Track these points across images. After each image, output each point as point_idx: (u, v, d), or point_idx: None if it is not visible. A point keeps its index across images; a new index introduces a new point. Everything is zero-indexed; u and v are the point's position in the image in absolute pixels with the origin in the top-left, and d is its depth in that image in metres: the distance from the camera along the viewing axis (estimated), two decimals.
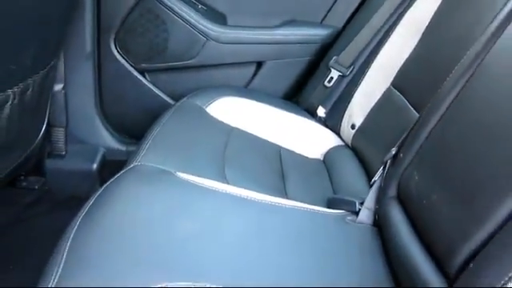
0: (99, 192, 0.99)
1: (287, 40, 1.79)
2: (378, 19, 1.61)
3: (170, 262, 0.83)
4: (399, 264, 0.91)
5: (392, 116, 1.37)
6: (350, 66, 1.63)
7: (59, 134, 1.68)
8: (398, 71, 1.44)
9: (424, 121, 1.04)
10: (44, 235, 1.36)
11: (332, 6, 1.80)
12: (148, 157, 1.14)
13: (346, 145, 1.55)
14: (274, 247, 0.94)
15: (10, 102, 1.11)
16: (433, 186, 0.92)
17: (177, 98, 1.65)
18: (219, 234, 0.92)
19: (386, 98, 1.44)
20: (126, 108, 1.83)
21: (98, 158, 1.76)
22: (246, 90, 1.81)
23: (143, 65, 1.78)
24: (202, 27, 1.72)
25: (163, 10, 1.70)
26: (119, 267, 0.80)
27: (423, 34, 1.42)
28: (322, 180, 1.38)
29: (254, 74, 1.82)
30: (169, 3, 1.70)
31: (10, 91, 1.10)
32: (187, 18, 1.71)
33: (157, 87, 1.81)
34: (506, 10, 1.02)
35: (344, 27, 1.79)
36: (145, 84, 1.80)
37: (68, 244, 0.83)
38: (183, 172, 1.09)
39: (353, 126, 1.51)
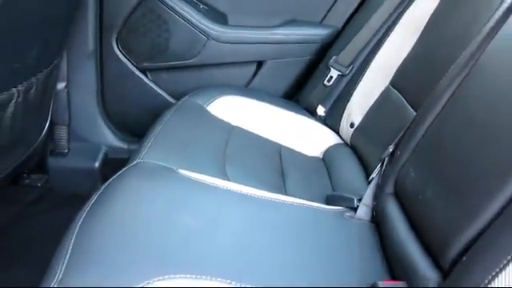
0: (103, 188, 1.00)
1: (287, 40, 1.80)
2: (377, 19, 1.62)
3: (171, 255, 0.84)
4: (396, 259, 0.93)
5: (390, 115, 1.38)
6: (350, 66, 1.64)
7: (62, 132, 1.69)
8: (397, 70, 1.45)
9: (420, 119, 1.06)
10: (46, 232, 1.37)
11: (332, 6, 1.81)
12: (150, 154, 1.16)
13: (345, 143, 1.55)
14: (275, 241, 0.95)
15: (14, 101, 1.13)
16: (428, 182, 0.93)
17: (178, 96, 1.65)
18: (220, 229, 0.94)
19: (384, 97, 1.45)
20: (128, 106, 1.83)
21: (100, 156, 1.77)
22: (246, 89, 1.82)
23: (145, 64, 1.79)
24: (203, 27, 1.73)
25: (165, 9, 1.71)
26: (121, 261, 0.81)
27: (422, 33, 1.43)
28: (321, 178, 1.39)
29: (255, 74, 1.83)
30: (170, 3, 1.71)
31: (14, 89, 1.12)
32: (189, 17, 1.72)
33: (158, 86, 1.82)
34: (502, 9, 1.03)
35: (343, 27, 1.80)
36: (146, 83, 1.81)
37: (73, 238, 0.85)
38: (185, 169, 1.10)
39: (352, 125, 1.52)
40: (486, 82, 0.93)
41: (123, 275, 0.78)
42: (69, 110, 1.67)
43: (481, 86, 0.94)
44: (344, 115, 1.57)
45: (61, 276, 0.77)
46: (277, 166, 1.38)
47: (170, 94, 1.82)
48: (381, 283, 0.84)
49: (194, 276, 0.79)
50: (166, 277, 0.78)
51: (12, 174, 1.39)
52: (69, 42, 1.51)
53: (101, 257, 0.82)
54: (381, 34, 1.59)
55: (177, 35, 1.74)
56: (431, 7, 1.42)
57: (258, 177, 1.25)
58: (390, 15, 1.58)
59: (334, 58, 1.69)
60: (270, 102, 1.62)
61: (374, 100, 1.48)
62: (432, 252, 0.84)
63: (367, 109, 1.49)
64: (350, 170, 1.41)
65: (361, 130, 1.49)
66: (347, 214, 1.11)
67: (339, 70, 1.66)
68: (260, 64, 1.82)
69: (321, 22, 1.83)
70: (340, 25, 1.81)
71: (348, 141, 1.54)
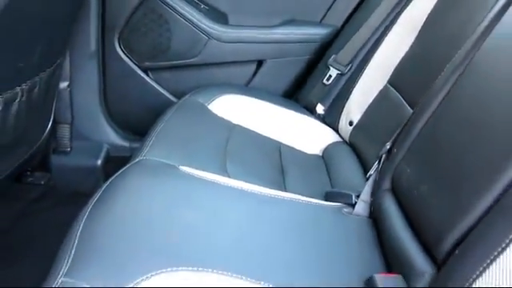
0: (106, 184, 1.02)
1: (287, 39, 1.81)
2: (375, 19, 1.63)
3: (173, 249, 0.85)
4: (393, 254, 0.94)
5: (388, 113, 1.39)
6: (348, 65, 1.65)
7: (64, 130, 1.70)
8: (395, 69, 1.46)
9: (416, 117, 1.08)
10: (48, 230, 1.39)
11: (331, 6, 1.82)
12: (152, 152, 1.17)
13: (344, 141, 1.57)
14: (275, 236, 0.96)
15: (18, 99, 1.13)
16: (423, 178, 0.95)
17: (179, 95, 1.67)
18: (221, 223, 0.95)
19: (382, 95, 1.46)
20: (130, 105, 1.85)
21: (102, 154, 1.78)
22: (246, 87, 1.83)
23: (147, 63, 1.80)
24: (204, 26, 1.74)
25: (166, 9, 1.72)
26: (123, 255, 0.83)
27: (419, 32, 1.44)
28: (320, 175, 1.40)
29: (255, 73, 1.84)
30: (172, 3, 1.72)
31: (18, 88, 1.12)
32: (190, 17, 1.73)
33: (160, 85, 1.83)
34: (496, 8, 1.05)
35: (343, 26, 1.81)
36: (148, 82, 1.82)
37: (78, 233, 0.86)
38: (186, 166, 1.12)
39: (350, 123, 1.54)
40: (480, 80, 0.95)
41: (125, 268, 0.80)
42: (71, 108, 1.68)
43: (475, 85, 0.96)
44: (343, 113, 1.58)
45: (67, 269, 0.79)
46: (277, 163, 1.39)
47: (171, 93, 1.83)
48: (377, 276, 0.86)
49: (195, 268, 0.81)
50: (169, 269, 0.80)
51: (15, 172, 1.40)
52: (71, 41, 1.52)
53: (104, 252, 0.84)
54: (379, 33, 1.61)
55: (178, 35, 1.75)
56: (428, 7, 1.43)
57: (258, 174, 1.26)
58: (388, 15, 1.60)
59: (333, 57, 1.70)
60: (270, 101, 1.63)
61: (372, 98, 1.49)
62: (427, 246, 0.86)
63: (366, 107, 1.50)
64: (348, 167, 1.42)
65: (359, 128, 1.50)
66: (345, 209, 1.12)
67: (338, 69, 1.67)
68: (260, 63, 1.83)
69: (320, 21, 1.84)
70: (339, 24, 1.82)
71: (347, 139, 1.55)
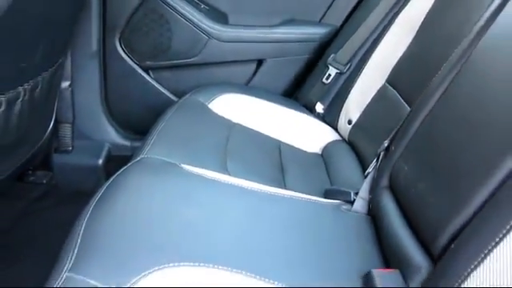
0: (108, 183, 1.02)
1: (287, 38, 1.82)
2: (374, 18, 1.64)
3: (174, 246, 0.86)
4: (391, 250, 0.96)
5: (387, 112, 1.40)
6: (347, 64, 1.66)
7: (66, 129, 1.71)
8: (393, 69, 1.47)
9: (413, 116, 1.08)
10: (50, 228, 1.40)
11: (330, 6, 1.83)
12: (154, 150, 1.18)
13: (343, 139, 1.57)
14: (274, 232, 0.97)
15: (20, 99, 1.14)
16: (420, 176, 0.96)
17: (180, 94, 1.67)
18: (221, 220, 0.96)
19: (381, 94, 1.47)
20: (131, 105, 1.85)
21: (104, 153, 1.78)
22: (246, 87, 1.84)
23: (147, 63, 1.81)
24: (204, 26, 1.75)
25: (167, 9, 1.73)
26: (125, 252, 0.84)
27: (417, 32, 1.45)
28: (319, 173, 1.41)
29: (255, 72, 1.85)
30: (172, 3, 1.73)
31: (20, 88, 1.13)
32: (190, 17, 1.74)
33: (161, 84, 1.84)
34: (492, 8, 1.05)
35: (342, 26, 1.82)
36: (149, 81, 1.83)
37: (81, 231, 0.87)
38: (187, 164, 1.13)
39: (349, 122, 1.54)
40: (476, 79, 0.96)
41: (128, 264, 0.81)
42: (73, 108, 1.69)
43: (471, 84, 0.96)
44: (342, 112, 1.59)
45: (71, 265, 0.80)
46: (276, 161, 1.39)
47: (172, 92, 1.84)
48: (375, 271, 0.87)
49: (196, 264, 0.82)
50: (171, 265, 0.81)
51: (17, 171, 1.40)
52: (73, 41, 1.53)
53: (107, 249, 0.85)
54: (378, 33, 1.61)
55: (178, 34, 1.76)
56: (426, 7, 1.44)
57: (258, 172, 1.27)
58: (387, 15, 1.61)
59: (332, 56, 1.71)
60: (270, 100, 1.64)
61: (370, 97, 1.50)
62: (424, 242, 0.87)
63: (364, 106, 1.51)
64: (347, 165, 1.43)
65: (358, 126, 1.51)
66: (344, 207, 1.13)
67: (337, 68, 1.68)
68: (260, 62, 1.84)
69: (319, 21, 1.85)
70: (338, 24, 1.83)
71: (346, 137, 1.56)
